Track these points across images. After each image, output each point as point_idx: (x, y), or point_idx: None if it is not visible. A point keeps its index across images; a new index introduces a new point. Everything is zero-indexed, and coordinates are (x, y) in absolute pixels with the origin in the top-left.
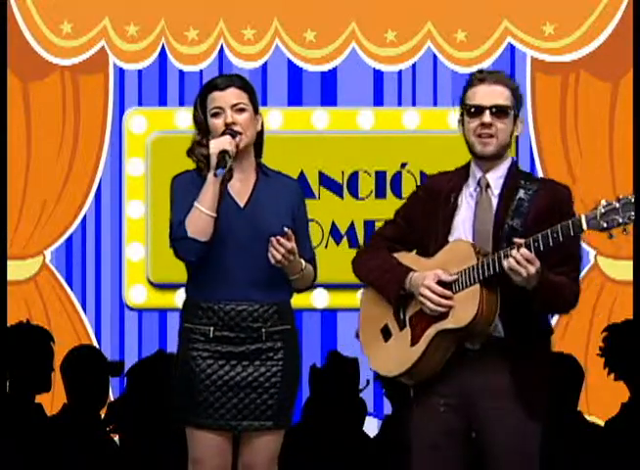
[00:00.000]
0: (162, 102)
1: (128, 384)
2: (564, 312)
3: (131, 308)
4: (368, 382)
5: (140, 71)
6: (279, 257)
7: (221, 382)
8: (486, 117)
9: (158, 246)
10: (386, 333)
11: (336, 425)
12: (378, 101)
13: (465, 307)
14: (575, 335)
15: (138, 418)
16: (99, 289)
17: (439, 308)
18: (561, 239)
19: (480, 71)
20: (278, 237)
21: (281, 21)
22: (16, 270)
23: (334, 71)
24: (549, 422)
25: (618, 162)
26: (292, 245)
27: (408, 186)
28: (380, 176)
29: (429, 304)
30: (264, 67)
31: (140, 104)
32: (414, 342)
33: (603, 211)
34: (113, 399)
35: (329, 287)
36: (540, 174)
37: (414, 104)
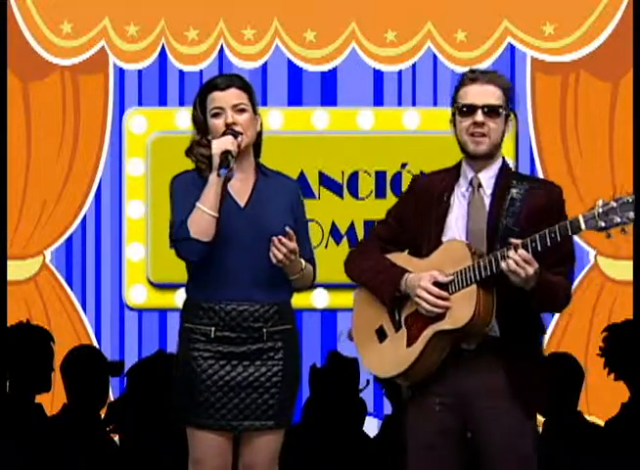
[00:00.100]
0: (162, 102)
1: (128, 384)
2: (557, 311)
3: (131, 308)
4: (368, 382)
5: (140, 71)
6: (280, 256)
7: (222, 382)
8: (479, 117)
9: (158, 246)
10: (381, 334)
11: (336, 425)
12: (378, 101)
13: (462, 308)
14: (575, 335)
15: (138, 418)
16: (99, 289)
17: (436, 310)
18: (558, 239)
19: (473, 71)
20: (280, 237)
21: (281, 21)
22: (16, 270)
23: (334, 71)
24: (549, 422)
25: (618, 162)
26: (293, 244)
27: None
28: (380, 176)
29: (425, 305)
30: (264, 67)
31: (140, 104)
32: (410, 343)
33: (601, 210)
34: (113, 399)
35: (329, 287)
36: (540, 174)
37: (414, 104)
